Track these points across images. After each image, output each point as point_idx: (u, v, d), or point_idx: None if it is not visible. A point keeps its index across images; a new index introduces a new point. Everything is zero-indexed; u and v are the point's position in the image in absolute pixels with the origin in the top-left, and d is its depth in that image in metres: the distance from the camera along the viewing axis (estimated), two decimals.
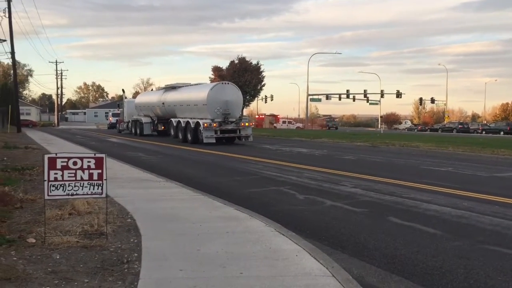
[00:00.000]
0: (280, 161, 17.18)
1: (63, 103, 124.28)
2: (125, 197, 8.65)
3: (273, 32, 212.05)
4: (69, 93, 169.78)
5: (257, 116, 78.26)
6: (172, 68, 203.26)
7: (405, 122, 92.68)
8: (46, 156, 5.40)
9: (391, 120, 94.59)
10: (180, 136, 29.10)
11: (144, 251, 5.29)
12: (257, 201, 9.52)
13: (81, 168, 5.53)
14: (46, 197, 5.42)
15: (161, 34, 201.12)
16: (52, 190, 5.43)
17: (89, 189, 5.59)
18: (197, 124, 26.80)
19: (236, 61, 61.81)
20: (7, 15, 38.10)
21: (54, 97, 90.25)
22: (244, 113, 76.11)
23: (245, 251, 5.38)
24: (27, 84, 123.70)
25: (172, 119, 30.85)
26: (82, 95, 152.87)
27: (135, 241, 5.73)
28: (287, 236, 6.16)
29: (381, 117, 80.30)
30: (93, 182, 5.58)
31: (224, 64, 64.95)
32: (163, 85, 37.71)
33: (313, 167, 15.41)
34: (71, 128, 61.59)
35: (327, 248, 6.15)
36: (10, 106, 39.17)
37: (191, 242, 5.70)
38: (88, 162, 5.56)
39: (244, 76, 59.59)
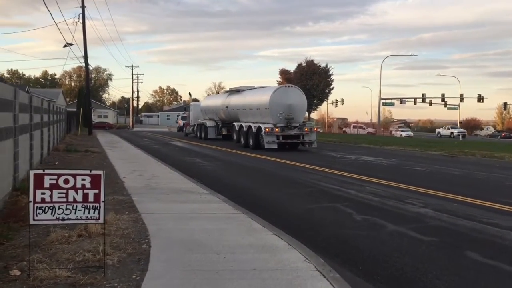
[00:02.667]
0: (342, 171, 15.69)
1: (139, 106, 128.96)
2: (153, 214, 7.70)
3: (347, 35, 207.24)
4: (145, 97, 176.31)
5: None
6: (244, 72, 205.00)
7: (487, 128, 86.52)
8: (32, 172, 4.49)
9: (471, 125, 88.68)
10: (242, 141, 28.25)
11: None
12: (305, 222, 8.24)
13: (74, 188, 4.57)
14: (31, 221, 4.51)
15: (236, 38, 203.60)
16: (39, 214, 4.52)
17: (83, 213, 4.62)
18: (259, 129, 25.79)
19: (304, 64, 60.34)
20: (81, 21, 39.30)
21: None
22: (314, 117, 74.47)
23: None
24: (107, 88, 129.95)
25: (234, 123, 30.11)
26: (158, 98, 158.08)
27: (137, 278, 4.68)
28: (329, 279, 4.84)
29: (460, 122, 75.32)
30: (88, 204, 4.61)
31: (293, 68, 63.70)
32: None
33: (377, 179, 13.80)
34: (143, 131, 63.04)
35: None
36: (81, 108, 40.42)
37: (204, 284, 4.56)
38: (83, 180, 4.59)
39: (312, 79, 57.97)
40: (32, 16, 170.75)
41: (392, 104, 75.11)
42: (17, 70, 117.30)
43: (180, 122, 59.41)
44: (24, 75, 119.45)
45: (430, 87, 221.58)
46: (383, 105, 72.09)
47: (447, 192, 11.42)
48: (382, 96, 66.83)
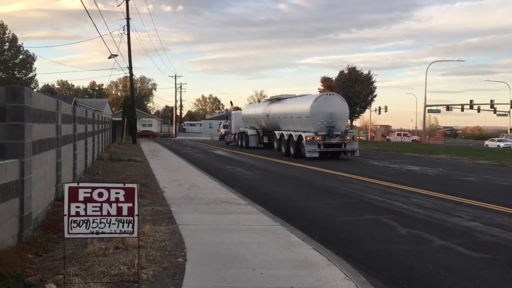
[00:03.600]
0: (386, 181, 15.21)
1: (183, 115, 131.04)
2: (191, 225, 7.63)
3: (391, 41, 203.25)
4: (188, 105, 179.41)
5: None
6: (287, 80, 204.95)
7: None
8: (66, 186, 4.48)
9: None
10: (283, 149, 28.07)
11: None
12: (347, 235, 7.95)
13: (108, 201, 4.53)
14: (66, 235, 4.49)
15: (278, 47, 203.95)
16: (73, 227, 4.49)
17: (117, 227, 4.56)
18: (300, 137, 25.53)
19: (346, 71, 59.58)
20: (126, 33, 40.36)
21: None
22: (357, 125, 73.34)
23: None
24: (152, 97, 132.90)
25: (275, 131, 29.98)
26: (200, 107, 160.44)
27: None
28: None
29: (510, 129, 72.26)
30: (122, 218, 4.55)
31: (335, 75, 63.00)
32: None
33: (423, 190, 13.26)
34: (185, 139, 63.87)
35: None
36: (125, 118, 41.35)
37: None
38: (116, 193, 4.54)
39: (354, 87, 57.11)
40: (81, 29, 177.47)
41: (438, 111, 72.91)
42: (66, 81, 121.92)
43: (221, 130, 59.80)
44: (73, 85, 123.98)
45: (478, 93, 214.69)
46: (428, 112, 70.14)
47: (498, 205, 10.83)
48: (427, 103, 65.00)
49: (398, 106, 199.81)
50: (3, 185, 5.39)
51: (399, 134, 75.19)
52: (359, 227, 8.58)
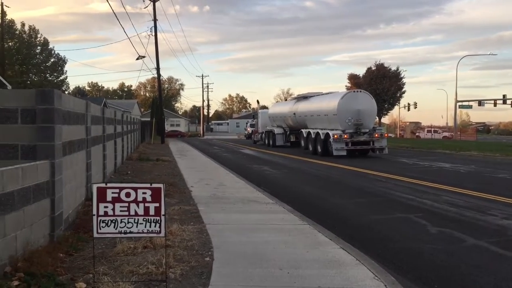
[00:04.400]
0: (415, 179, 14.94)
1: (210, 115, 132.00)
2: (218, 225, 7.65)
3: (421, 36, 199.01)
4: (215, 105, 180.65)
5: None
6: (313, 78, 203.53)
7: None
8: (95, 186, 4.55)
9: None
10: (310, 148, 27.92)
11: None
12: (375, 234, 7.83)
13: (135, 201, 4.57)
14: (95, 235, 4.56)
15: (304, 44, 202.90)
16: (102, 227, 4.55)
17: (145, 226, 4.60)
18: (327, 135, 25.34)
19: (374, 68, 58.77)
20: (153, 34, 40.85)
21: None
22: (386, 122, 72.35)
23: None
24: (179, 97, 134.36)
25: (302, 130, 29.84)
26: (227, 106, 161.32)
27: None
28: None
29: None
30: (149, 218, 4.59)
31: (362, 72, 62.25)
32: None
33: (454, 187, 12.97)
34: (213, 139, 64.24)
35: None
36: (153, 118, 41.88)
37: None
38: (144, 193, 4.58)
39: (382, 83, 56.26)
40: (110, 31, 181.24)
41: (470, 107, 71.33)
42: (96, 83, 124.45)
43: (248, 129, 59.91)
44: (103, 87, 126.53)
45: (511, 87, 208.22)
46: (459, 107, 68.71)
47: None
48: (458, 98, 63.68)
49: (428, 102, 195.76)
50: (35, 186, 5.52)
51: (429, 131, 73.84)
52: (388, 226, 8.45)
